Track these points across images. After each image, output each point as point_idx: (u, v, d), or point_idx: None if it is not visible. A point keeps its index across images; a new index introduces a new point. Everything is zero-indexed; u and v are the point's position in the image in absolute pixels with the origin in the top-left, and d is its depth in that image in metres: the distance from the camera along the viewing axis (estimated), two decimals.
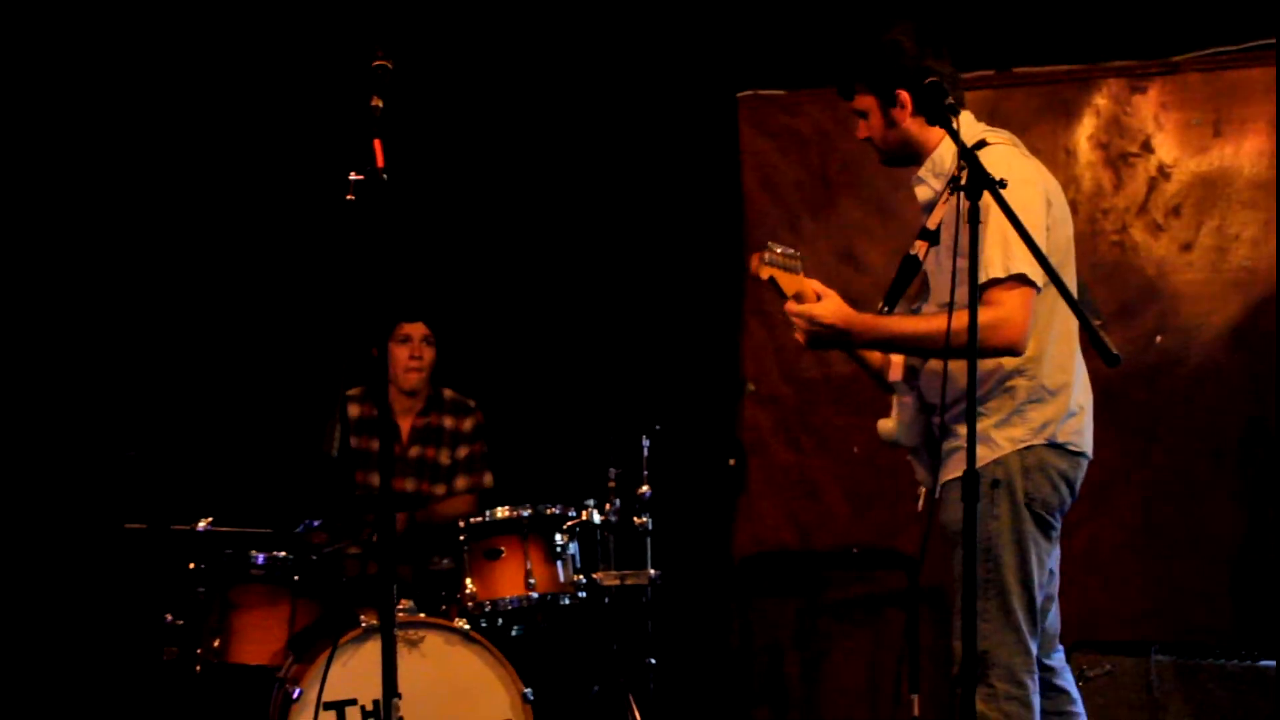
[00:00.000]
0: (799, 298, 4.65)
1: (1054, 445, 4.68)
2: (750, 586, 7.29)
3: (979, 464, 4.46)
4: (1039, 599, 4.71)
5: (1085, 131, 6.66)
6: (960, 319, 4.31)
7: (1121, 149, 6.61)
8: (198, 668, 6.07)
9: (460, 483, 6.83)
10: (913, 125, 4.80)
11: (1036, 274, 4.48)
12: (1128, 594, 4.89)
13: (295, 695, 5.68)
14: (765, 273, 4.70)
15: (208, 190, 7.18)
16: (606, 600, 6.44)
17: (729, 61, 7.32)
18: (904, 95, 4.76)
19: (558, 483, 6.52)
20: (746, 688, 7.24)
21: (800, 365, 7.21)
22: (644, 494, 6.40)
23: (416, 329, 6.68)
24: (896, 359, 4.85)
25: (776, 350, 7.27)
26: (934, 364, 4.75)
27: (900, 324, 4.64)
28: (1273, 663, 5.74)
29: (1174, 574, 6.41)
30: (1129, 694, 5.37)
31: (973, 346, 4.08)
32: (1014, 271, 4.47)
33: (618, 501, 6.43)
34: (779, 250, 4.70)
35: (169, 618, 6.12)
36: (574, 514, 6.23)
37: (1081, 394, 4.79)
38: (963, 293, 4.35)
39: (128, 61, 7.03)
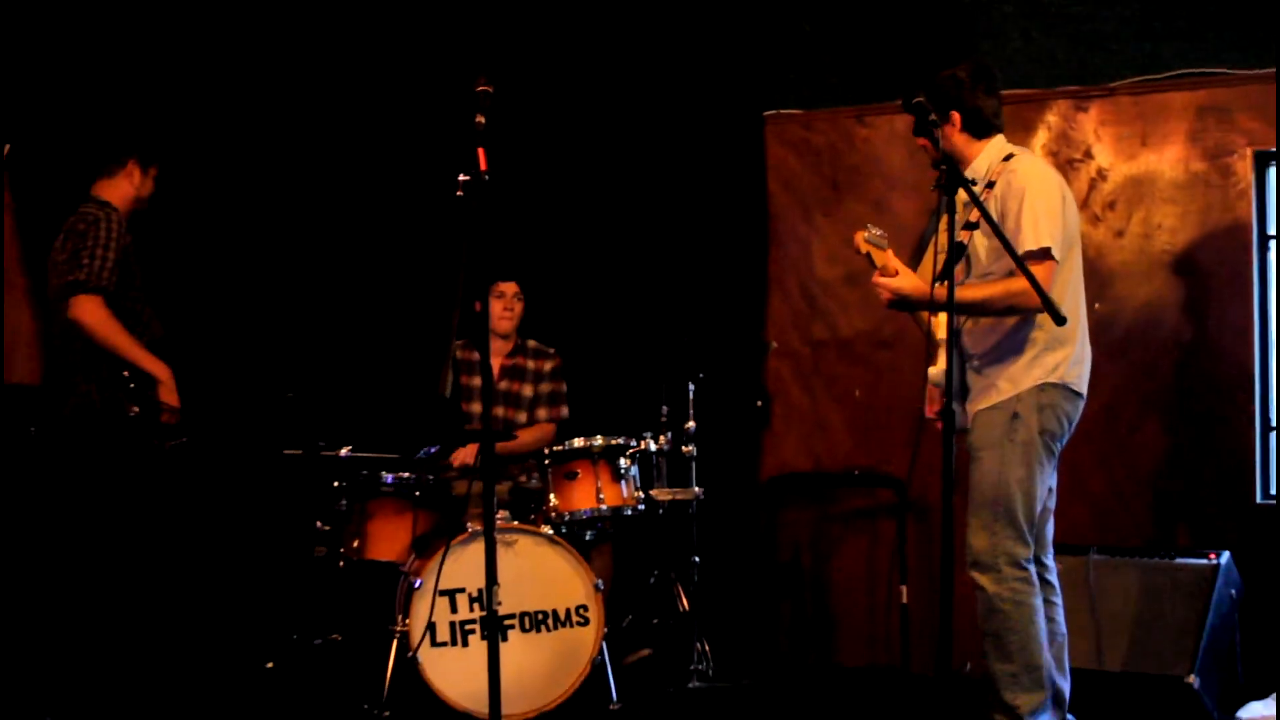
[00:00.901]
0: (884, 270, 4.76)
1: (1062, 386, 4.77)
2: (774, 501, 7.29)
3: (1002, 398, 4.80)
4: (1038, 509, 4.81)
5: (1039, 141, 6.65)
6: (996, 288, 4.63)
7: (1068, 156, 6.59)
8: (341, 563, 6.12)
9: (542, 413, 6.85)
10: (959, 140, 4.94)
11: (1058, 248, 4.67)
12: (1073, 510, 4.91)
13: (417, 585, 5.72)
14: (864, 248, 4.83)
15: (354, 187, 7.20)
16: (660, 512, 6.47)
17: (759, 86, 7.32)
18: (956, 115, 4.91)
19: (622, 418, 6.52)
20: (771, 580, 7.25)
21: (812, 329, 7.23)
22: (690, 428, 6.43)
23: (510, 287, 6.74)
24: (941, 319, 4.89)
25: (794, 316, 7.29)
26: (970, 323, 4.92)
27: (957, 293, 4.63)
28: (1185, 559, 5.73)
29: (1108, 493, 6.43)
30: (1073, 584, 5.38)
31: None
32: (1042, 245, 4.63)
33: (669, 434, 6.45)
34: (875, 231, 4.83)
35: (319, 524, 6.17)
36: (635, 443, 6.25)
37: (1083, 347, 4.90)
38: (1000, 266, 4.67)
39: (298, 80, 7.08)
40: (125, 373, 5.37)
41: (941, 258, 4.32)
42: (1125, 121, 6.61)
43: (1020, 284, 4.46)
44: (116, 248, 5.46)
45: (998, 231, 4.37)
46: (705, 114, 7.31)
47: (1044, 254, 4.62)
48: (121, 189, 5.69)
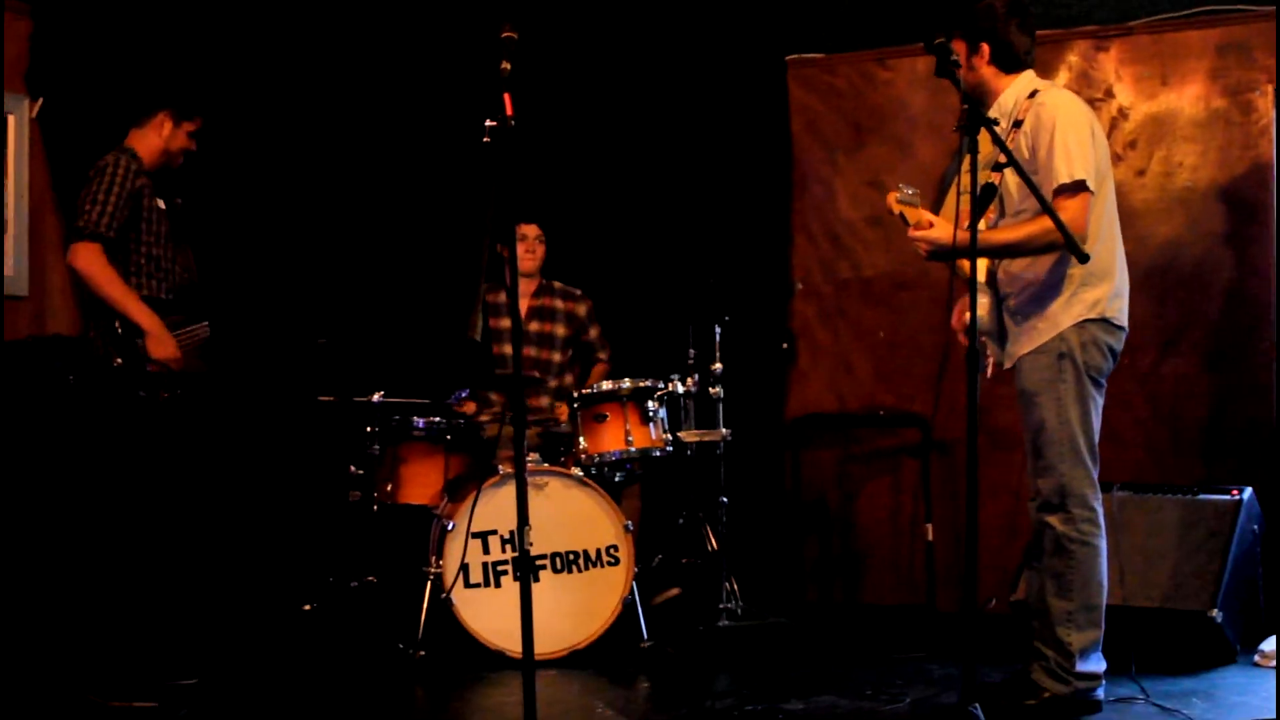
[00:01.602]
0: (918, 225, 4.70)
1: (1103, 320, 4.74)
2: (799, 441, 7.29)
3: (1044, 340, 4.75)
4: (1096, 443, 4.79)
5: (1060, 82, 6.57)
6: (1032, 226, 4.56)
7: (1089, 95, 6.52)
8: (374, 507, 6.16)
9: (602, 355, 6.98)
10: (987, 72, 4.86)
11: (1092, 179, 4.62)
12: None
13: (449, 527, 5.76)
14: (897, 208, 4.81)
15: (383, 133, 7.21)
16: (688, 453, 6.48)
17: (781, 29, 7.28)
18: (986, 47, 4.83)
19: (650, 361, 6.53)
20: (798, 518, 7.26)
21: (836, 270, 7.21)
22: (717, 370, 6.42)
23: (531, 229, 6.77)
24: (981, 264, 4.82)
25: (818, 257, 7.26)
26: (1007, 266, 4.87)
27: (990, 237, 4.70)
28: (1208, 495, 5.73)
29: (1130, 429, 6.41)
30: None
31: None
32: (1076, 178, 4.58)
33: (697, 376, 6.45)
34: (908, 191, 4.80)
35: (352, 469, 6.20)
36: (663, 385, 6.25)
37: (1122, 280, 4.85)
38: (1032, 203, 4.53)
39: (332, 30, 7.10)
40: (116, 323, 5.33)
41: (965, 198, 4.28)
42: (1145, 60, 6.56)
43: (1043, 222, 4.46)
44: (120, 194, 5.39)
45: (1021, 172, 4.34)
46: (728, 58, 7.28)
47: (1079, 186, 4.57)
48: (149, 140, 5.62)
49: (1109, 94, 6.58)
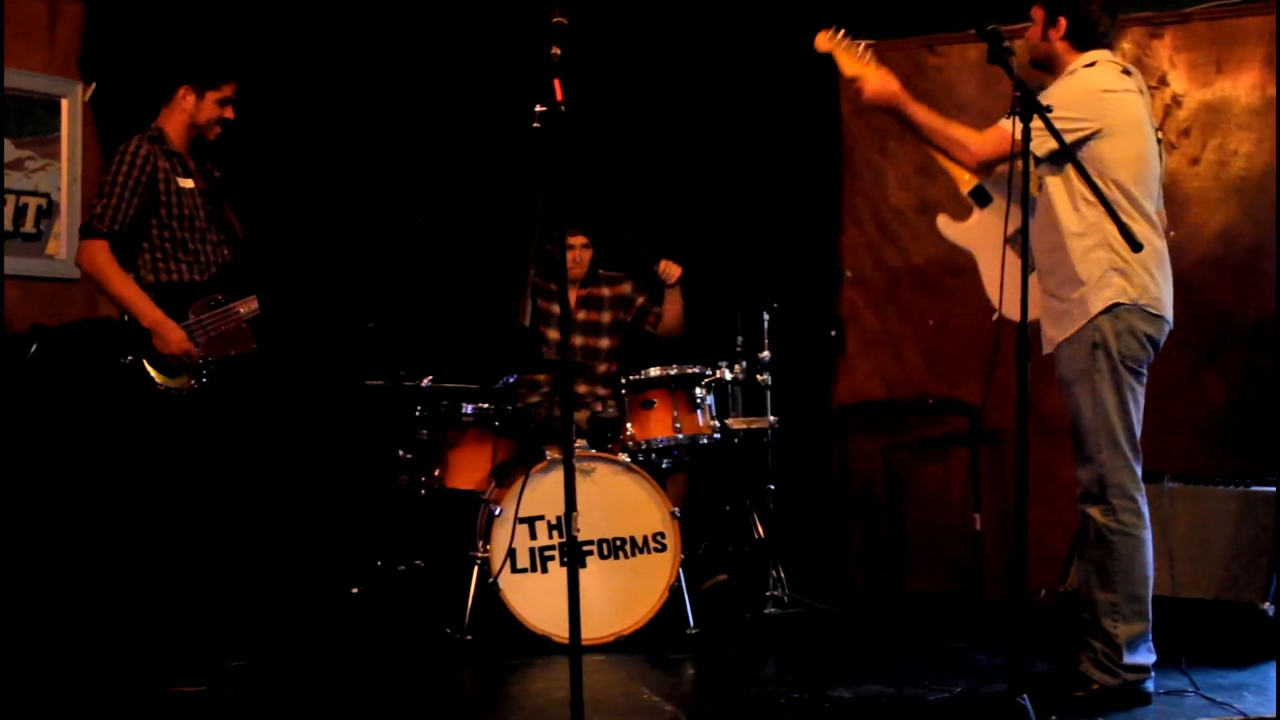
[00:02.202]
0: (857, 78, 4.96)
1: (1137, 307, 4.67)
2: (847, 429, 7.26)
3: (1078, 327, 4.71)
4: (1138, 433, 4.75)
5: None
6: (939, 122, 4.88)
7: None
8: (423, 491, 6.16)
9: (657, 309, 6.89)
10: (1060, 46, 4.83)
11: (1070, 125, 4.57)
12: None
13: (497, 512, 5.75)
14: (824, 47, 5.09)
15: (434, 118, 7.21)
16: (736, 440, 6.46)
17: (831, 16, 7.21)
18: (1063, 21, 4.79)
19: (698, 348, 6.51)
20: (845, 506, 7.23)
21: (886, 256, 7.17)
22: (765, 357, 6.41)
23: (577, 239, 6.75)
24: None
25: (867, 244, 7.23)
26: (1042, 252, 4.82)
27: (929, 117, 4.92)
28: (1260, 487, 5.66)
29: (1181, 420, 6.34)
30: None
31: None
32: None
33: (744, 363, 6.43)
34: (844, 38, 5.05)
35: (401, 453, 6.20)
36: (710, 372, 6.23)
37: (1159, 270, 4.77)
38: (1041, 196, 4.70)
39: (381, 14, 7.11)
40: (125, 318, 5.17)
41: (1017, 182, 4.23)
42: (1200, 47, 6.49)
43: (960, 133, 4.85)
44: (128, 184, 5.19)
45: (1073, 159, 4.28)
46: (779, 45, 7.23)
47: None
48: (175, 117, 5.41)
49: (1163, 81, 6.50)
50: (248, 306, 5.36)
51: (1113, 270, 4.66)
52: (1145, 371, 4.76)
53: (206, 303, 5.25)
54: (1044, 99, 4.45)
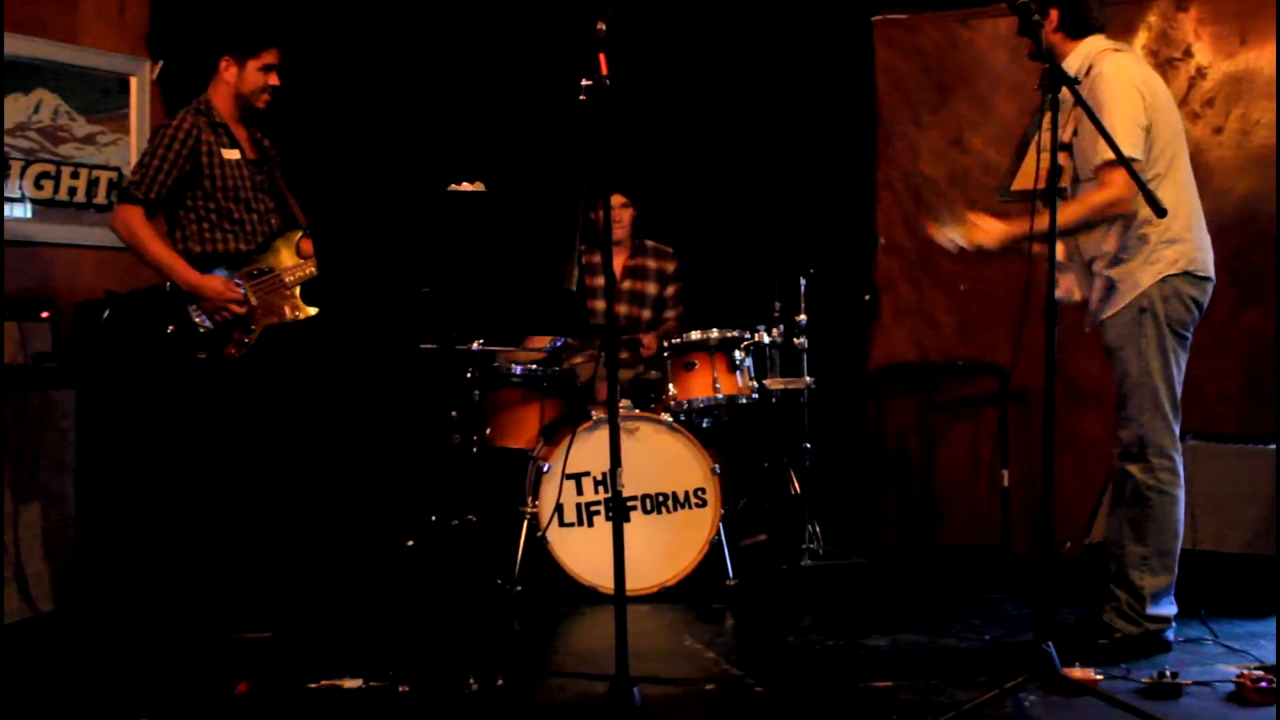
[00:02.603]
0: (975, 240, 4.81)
1: (1186, 274, 4.71)
2: (881, 390, 7.30)
3: (1125, 301, 4.75)
4: (1179, 395, 4.79)
5: (1140, 41, 6.54)
6: (1085, 206, 4.62)
7: (1168, 55, 6.47)
8: (474, 449, 6.21)
9: (670, 313, 6.90)
10: (1054, 38, 4.82)
11: (1136, 149, 4.59)
12: None
13: (545, 469, 5.83)
14: (943, 238, 4.91)
15: (484, 88, 7.22)
16: (773, 400, 6.49)
17: None
18: (1053, 13, 4.80)
19: (738, 312, 6.53)
20: (879, 464, 7.28)
21: (919, 224, 7.18)
22: (802, 321, 6.42)
23: (616, 199, 6.72)
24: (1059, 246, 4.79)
25: (901, 213, 7.26)
26: (1084, 237, 4.85)
27: (1038, 225, 4.60)
28: (1274, 445, 5.69)
29: (1204, 380, 6.35)
30: None
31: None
32: (1116, 157, 4.49)
33: (782, 326, 6.45)
34: (949, 230, 4.87)
35: (454, 413, 6.26)
36: (749, 335, 6.26)
37: (1201, 234, 4.82)
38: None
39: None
40: (167, 285, 5.18)
41: (1045, 156, 4.25)
42: (1224, 19, 6.48)
43: (1102, 194, 4.58)
44: (169, 156, 5.18)
45: (1102, 130, 4.30)
46: (815, 19, 7.26)
47: (1119, 162, 4.52)
48: (221, 90, 5.40)
49: (1188, 53, 6.50)
50: (294, 275, 5.38)
51: (1161, 244, 4.69)
52: (1190, 334, 4.80)
53: (249, 271, 5.28)
54: (1102, 117, 4.49)
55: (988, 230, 4.76)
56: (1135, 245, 4.71)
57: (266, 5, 6.02)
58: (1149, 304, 4.71)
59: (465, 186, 5.32)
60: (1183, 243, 4.73)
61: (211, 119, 5.33)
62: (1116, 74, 4.70)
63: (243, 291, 5.22)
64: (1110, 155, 4.43)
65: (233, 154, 5.34)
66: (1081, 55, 4.80)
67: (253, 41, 5.36)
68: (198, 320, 5.17)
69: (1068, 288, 5.00)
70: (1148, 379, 4.71)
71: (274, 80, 5.42)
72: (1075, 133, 4.73)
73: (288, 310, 5.32)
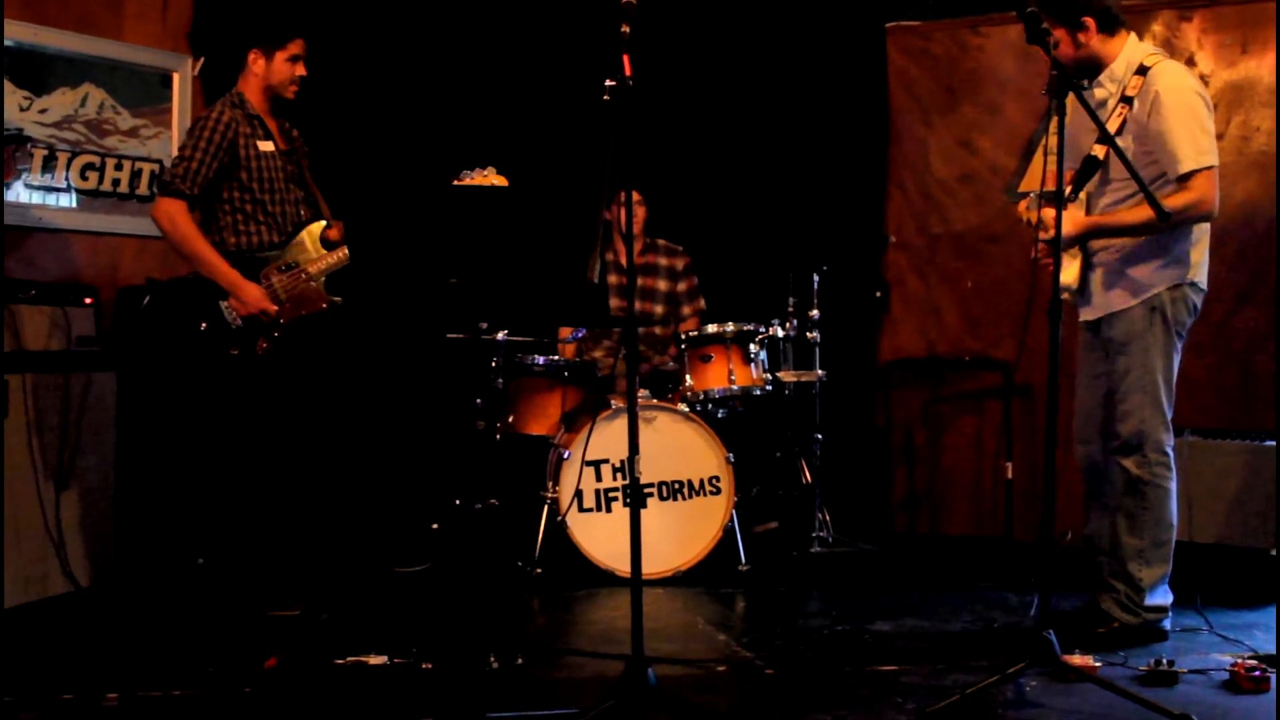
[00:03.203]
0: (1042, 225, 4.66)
1: (1193, 283, 4.71)
2: (890, 383, 7.28)
3: (1135, 301, 4.70)
4: (1174, 390, 4.75)
5: None
6: (1165, 202, 4.36)
7: None
8: (497, 436, 6.21)
9: (687, 309, 6.87)
10: (1096, 42, 4.70)
11: (1214, 156, 4.56)
12: None
13: (566, 455, 5.82)
14: (1027, 214, 4.84)
15: (511, 89, 7.20)
16: (786, 392, 6.50)
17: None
18: (1089, 20, 4.67)
19: (752, 306, 6.53)
20: (887, 454, 7.26)
21: (928, 223, 7.18)
22: (814, 315, 6.43)
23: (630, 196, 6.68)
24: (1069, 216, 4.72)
25: (911, 212, 7.24)
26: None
27: (1118, 218, 4.63)
28: (1272, 441, 5.66)
29: (1202, 377, 6.34)
30: None
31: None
32: (1204, 164, 4.53)
33: (795, 320, 6.45)
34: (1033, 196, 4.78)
35: (478, 401, 6.25)
36: (764, 329, 6.25)
37: (1207, 243, 4.76)
38: (1146, 174, 4.48)
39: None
40: (191, 276, 5.17)
41: (1052, 159, 4.22)
42: (1227, 29, 6.45)
43: (1185, 197, 4.50)
44: (208, 149, 5.13)
45: (1117, 150, 4.25)
46: (831, 24, 7.24)
47: (1205, 169, 4.53)
48: (250, 82, 5.34)
49: (1190, 62, 6.46)
50: (318, 266, 5.34)
51: (1181, 252, 4.66)
52: (1185, 335, 4.78)
53: (278, 266, 5.25)
54: (1179, 136, 4.50)
55: (1071, 219, 4.69)
56: (1155, 248, 4.66)
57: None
58: (1160, 304, 4.67)
59: (476, 176, 5.27)
60: (1197, 249, 4.71)
61: (246, 111, 5.29)
62: (1182, 83, 4.62)
63: (275, 301, 5.19)
64: (1194, 164, 4.48)
65: (267, 145, 5.30)
66: (1126, 59, 4.69)
67: (279, 33, 5.32)
68: (230, 318, 5.16)
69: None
70: (1151, 376, 4.68)
71: (301, 70, 5.37)
72: (1120, 132, 4.62)
73: (313, 302, 5.29)
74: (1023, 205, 4.86)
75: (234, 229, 5.24)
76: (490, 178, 5.34)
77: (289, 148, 5.44)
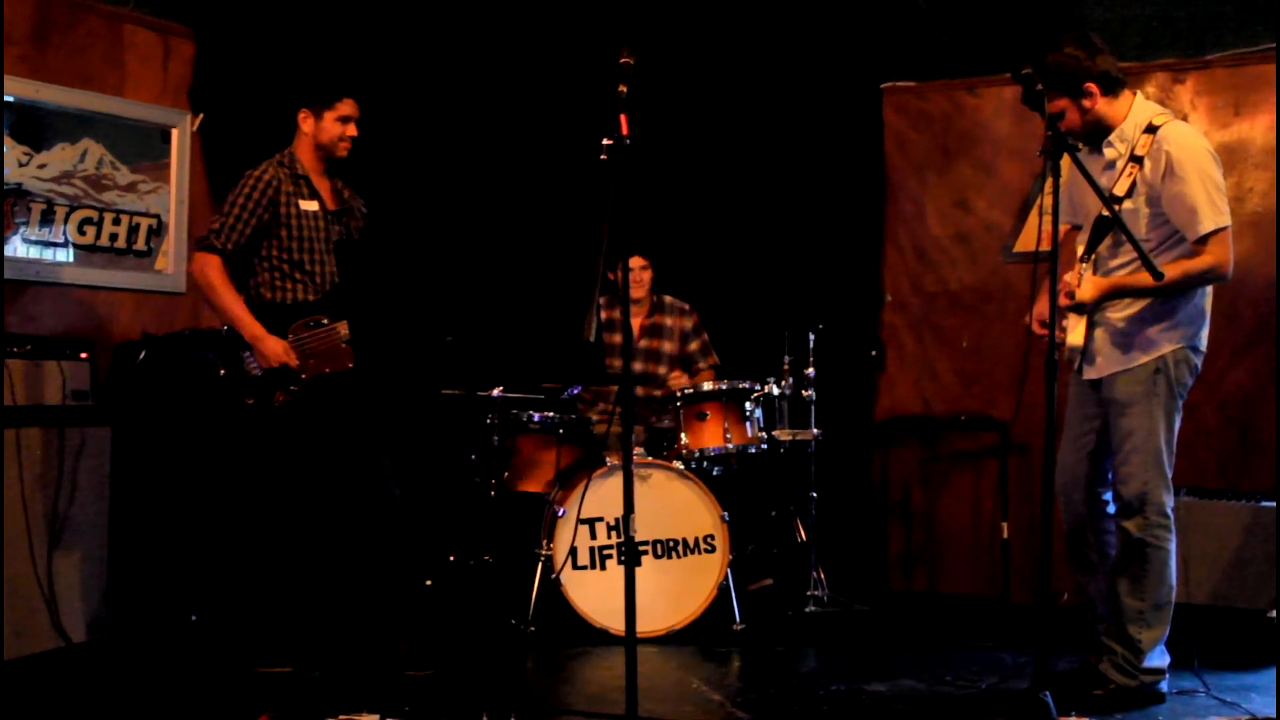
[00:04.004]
0: (1070, 294, 4.65)
1: (1194, 348, 4.70)
2: (886, 441, 7.27)
3: (1138, 363, 4.68)
4: (1175, 451, 4.73)
5: None
6: (1171, 269, 4.43)
7: None
8: (493, 492, 6.20)
9: (703, 364, 6.86)
10: (1102, 105, 4.68)
11: (1227, 216, 4.55)
12: None
13: (561, 513, 5.80)
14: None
15: (508, 152, 7.22)
16: (782, 450, 6.48)
17: (876, 60, 7.27)
18: (1091, 87, 4.65)
19: (748, 364, 6.53)
20: (883, 513, 7.24)
21: (924, 282, 7.19)
22: (810, 374, 6.43)
23: (636, 261, 6.70)
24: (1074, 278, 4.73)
25: (907, 271, 7.25)
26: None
27: (1139, 280, 4.57)
28: (1268, 502, 5.65)
29: (1197, 437, 6.32)
30: None
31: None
32: (1221, 225, 4.52)
33: (791, 379, 6.44)
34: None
35: (473, 457, 6.25)
36: (759, 387, 6.24)
37: (1210, 304, 4.77)
38: (1158, 234, 4.58)
39: (460, 53, 7.17)
40: (225, 330, 5.18)
41: (1048, 219, 4.22)
42: (1219, 91, 6.49)
43: (1202, 261, 4.51)
44: (249, 206, 5.18)
45: (1114, 212, 4.27)
46: (827, 86, 7.27)
47: (1225, 229, 4.53)
48: (302, 142, 5.38)
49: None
50: (341, 330, 5.32)
51: (1185, 316, 4.66)
52: (1185, 395, 4.77)
53: (306, 323, 5.23)
54: (1197, 198, 4.50)
55: (1092, 282, 4.69)
56: (1163, 310, 4.65)
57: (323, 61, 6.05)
58: (1164, 366, 4.66)
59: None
60: (1205, 318, 4.72)
61: (294, 170, 5.31)
62: (1194, 143, 4.62)
63: (297, 357, 5.19)
64: (1211, 226, 4.49)
65: (310, 205, 5.31)
66: (1134, 119, 4.68)
67: (328, 93, 5.34)
68: (249, 367, 5.16)
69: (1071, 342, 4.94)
70: (1154, 439, 4.66)
71: (352, 131, 5.37)
72: (1130, 193, 4.62)
73: (339, 360, 5.27)
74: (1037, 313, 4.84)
75: (270, 285, 5.25)
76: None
77: (339, 208, 5.44)
